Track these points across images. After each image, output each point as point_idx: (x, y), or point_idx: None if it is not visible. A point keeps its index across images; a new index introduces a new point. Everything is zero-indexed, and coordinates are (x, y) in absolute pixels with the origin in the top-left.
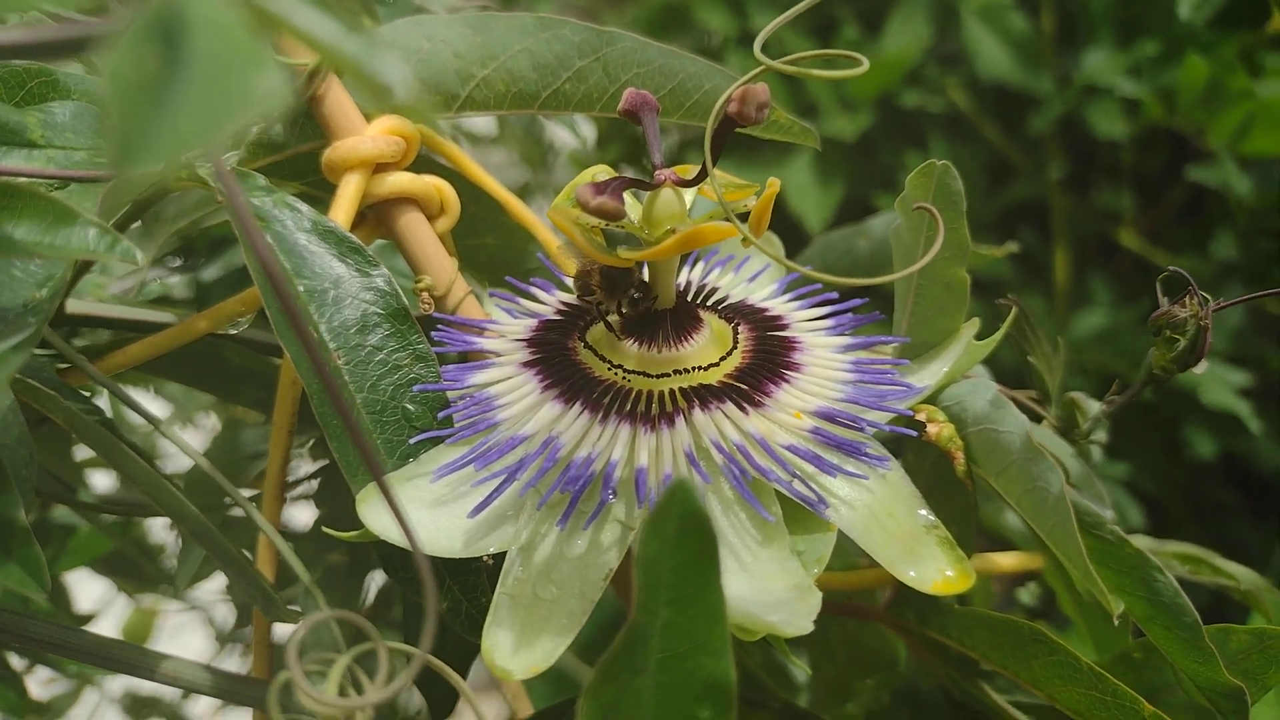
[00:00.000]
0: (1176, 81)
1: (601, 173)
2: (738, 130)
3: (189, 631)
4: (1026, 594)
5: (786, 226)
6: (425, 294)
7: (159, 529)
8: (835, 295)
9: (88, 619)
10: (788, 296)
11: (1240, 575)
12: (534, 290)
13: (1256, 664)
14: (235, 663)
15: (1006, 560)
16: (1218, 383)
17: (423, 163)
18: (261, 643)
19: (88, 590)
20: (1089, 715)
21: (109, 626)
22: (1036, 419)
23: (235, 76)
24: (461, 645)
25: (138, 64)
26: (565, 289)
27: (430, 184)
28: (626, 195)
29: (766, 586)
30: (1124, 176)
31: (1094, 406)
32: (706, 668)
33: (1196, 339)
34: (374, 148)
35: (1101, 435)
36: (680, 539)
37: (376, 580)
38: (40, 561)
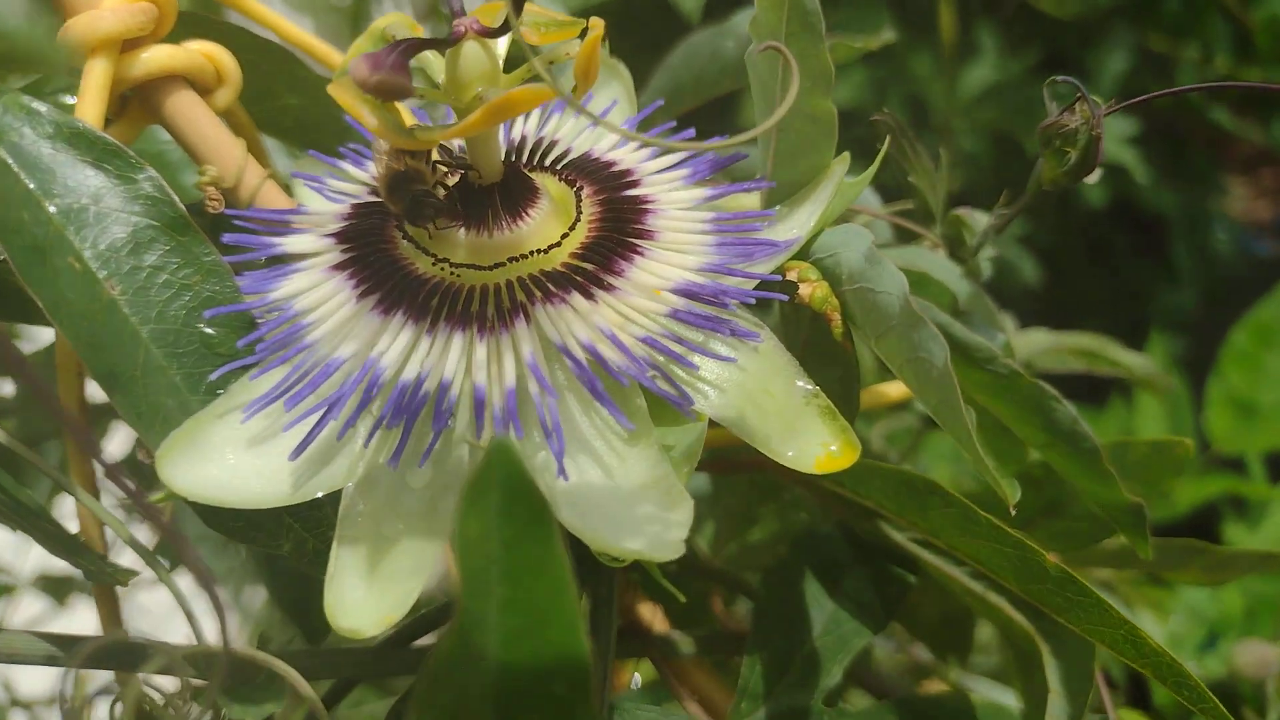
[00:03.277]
0: None
1: (395, 25)
2: None
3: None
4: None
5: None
6: (211, 189)
7: None
8: (691, 133)
9: None
10: (636, 144)
11: (1135, 364)
12: (344, 165)
13: (1155, 473)
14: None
15: (895, 390)
16: (1108, 135)
17: (185, 18)
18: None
19: None
20: (990, 565)
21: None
22: (911, 238)
23: None
24: None
25: None
26: None
27: (197, 52)
28: (422, 57)
29: (636, 494)
30: None
31: (981, 221)
32: (555, 642)
33: (1088, 149)
34: (116, 22)
35: (990, 251)
36: (507, 510)
37: None
38: None
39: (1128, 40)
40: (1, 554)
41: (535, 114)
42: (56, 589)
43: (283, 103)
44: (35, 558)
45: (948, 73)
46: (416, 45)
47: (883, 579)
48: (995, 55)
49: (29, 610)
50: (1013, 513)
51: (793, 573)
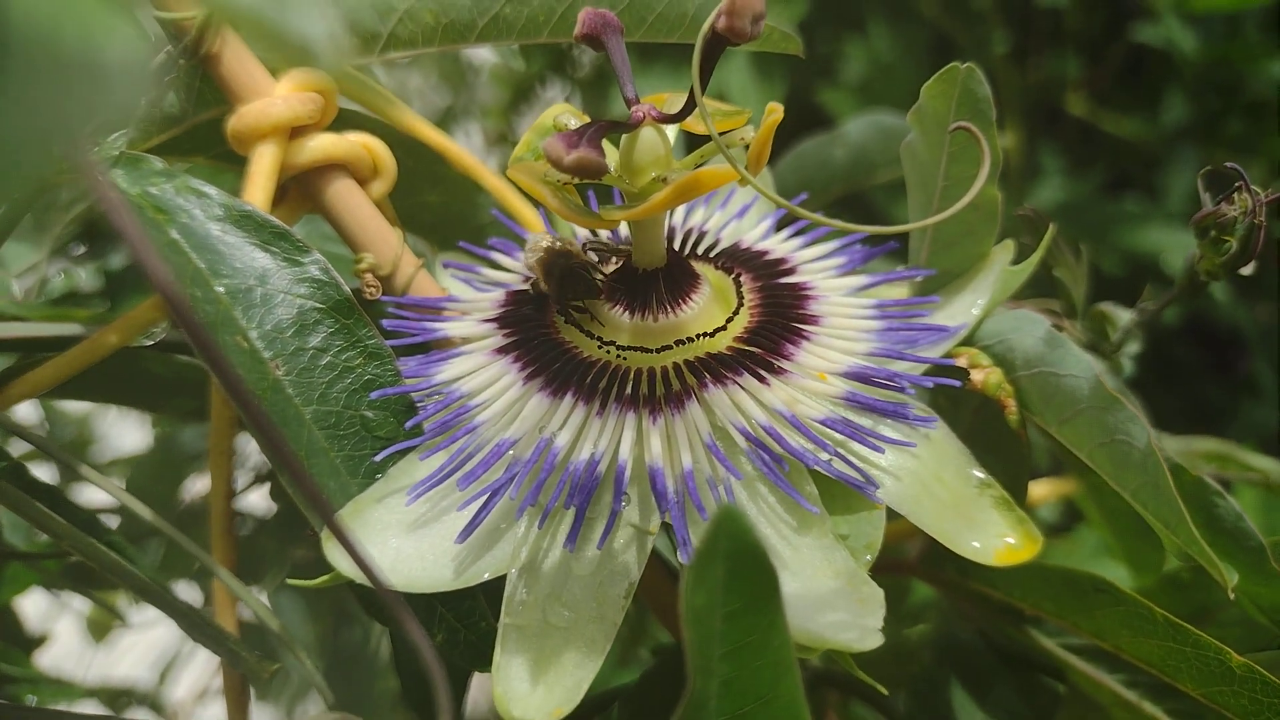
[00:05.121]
0: None
1: (564, 114)
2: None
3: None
4: (1045, 509)
5: None
6: (369, 275)
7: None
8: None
9: (40, 641)
10: (786, 232)
11: (1269, 469)
12: (495, 255)
13: None
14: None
15: (1038, 489)
16: (1182, 252)
17: (341, 113)
18: (233, 689)
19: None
20: (1164, 667)
21: (67, 630)
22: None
23: (71, 55)
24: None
25: None
26: None
27: (358, 143)
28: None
29: (814, 583)
30: (1067, 41)
31: (1124, 316)
32: None
33: (1249, 238)
34: (287, 110)
35: (1134, 347)
36: (732, 581)
37: None
38: None
39: (1193, 159)
40: (64, 664)
41: (681, 206)
42: (114, 701)
43: (423, 199)
44: (96, 669)
45: (1015, 193)
46: (606, 126)
47: (1031, 688)
48: (1060, 177)
49: None
50: (1231, 596)
51: (939, 681)
